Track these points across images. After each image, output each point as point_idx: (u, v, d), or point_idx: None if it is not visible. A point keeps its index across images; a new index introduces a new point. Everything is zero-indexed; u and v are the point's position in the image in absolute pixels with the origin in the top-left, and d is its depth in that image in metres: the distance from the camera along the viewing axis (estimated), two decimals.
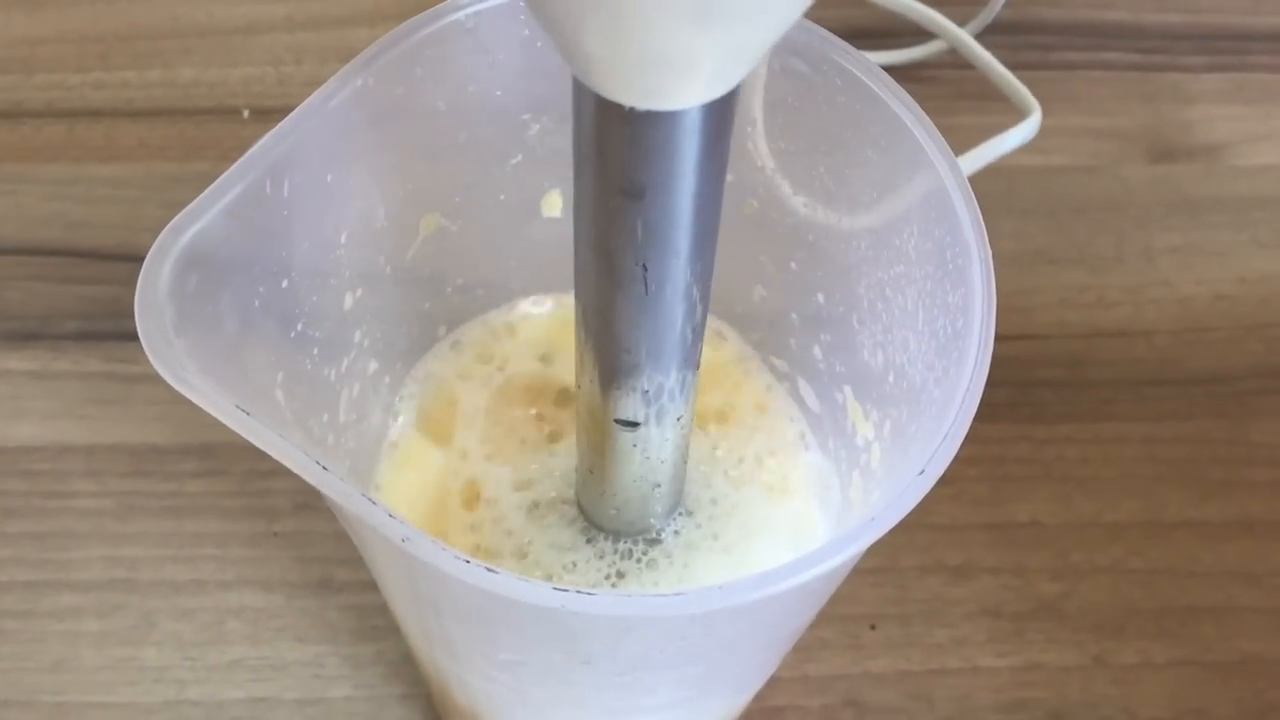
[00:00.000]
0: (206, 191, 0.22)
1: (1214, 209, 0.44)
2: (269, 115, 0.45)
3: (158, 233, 0.22)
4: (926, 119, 0.25)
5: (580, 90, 0.18)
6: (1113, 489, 0.38)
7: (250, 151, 0.23)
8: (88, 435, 0.37)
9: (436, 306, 0.31)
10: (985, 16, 0.45)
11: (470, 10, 0.25)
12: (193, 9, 0.47)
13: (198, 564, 0.36)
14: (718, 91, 0.17)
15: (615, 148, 0.18)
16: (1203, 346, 0.41)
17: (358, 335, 0.28)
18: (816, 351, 0.31)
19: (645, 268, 0.20)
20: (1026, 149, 0.45)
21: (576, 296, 0.23)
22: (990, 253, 0.24)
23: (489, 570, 0.18)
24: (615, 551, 0.29)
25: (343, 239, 0.26)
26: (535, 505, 0.29)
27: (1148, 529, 0.37)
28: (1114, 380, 0.40)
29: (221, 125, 0.44)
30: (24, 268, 0.41)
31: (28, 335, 0.39)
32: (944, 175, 0.24)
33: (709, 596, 0.19)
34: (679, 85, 0.17)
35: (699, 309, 0.22)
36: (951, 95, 0.45)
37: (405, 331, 0.30)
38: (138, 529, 0.36)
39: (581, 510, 0.29)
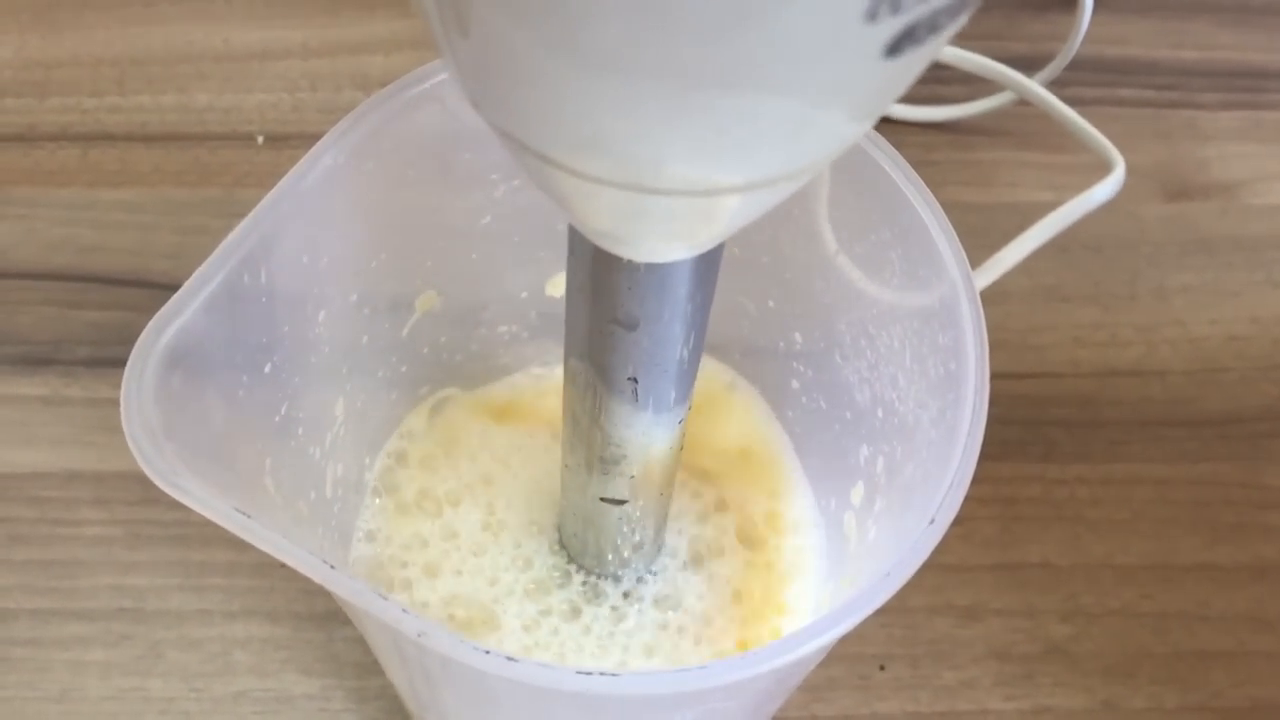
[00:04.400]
0: (184, 287, 0.22)
1: (1229, 248, 0.44)
2: (283, 141, 0.45)
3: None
4: (903, 161, 0.25)
5: (578, 237, 0.19)
6: (1124, 531, 0.38)
7: (225, 242, 0.23)
8: (96, 462, 0.37)
9: (414, 371, 0.31)
10: (1056, 66, 0.45)
11: (435, 80, 0.25)
12: (208, 34, 0.47)
13: (204, 594, 0.35)
14: (709, 247, 0.19)
15: (612, 287, 0.19)
16: (1216, 387, 0.41)
17: (339, 409, 0.28)
18: (795, 384, 0.31)
19: (636, 380, 0.21)
20: (1039, 185, 0.45)
21: (565, 394, 0.23)
22: (978, 293, 0.24)
23: (509, 660, 0.18)
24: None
25: (321, 316, 0.26)
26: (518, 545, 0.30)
27: (1159, 572, 0.37)
28: (1126, 420, 0.40)
29: (235, 151, 0.44)
30: (36, 293, 0.41)
31: (39, 360, 0.39)
32: (924, 215, 0.24)
33: (732, 667, 0.19)
34: (676, 248, 0.18)
35: (684, 407, 0.23)
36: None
37: (385, 398, 0.31)
38: (145, 557, 0.36)
39: (564, 547, 0.30)
